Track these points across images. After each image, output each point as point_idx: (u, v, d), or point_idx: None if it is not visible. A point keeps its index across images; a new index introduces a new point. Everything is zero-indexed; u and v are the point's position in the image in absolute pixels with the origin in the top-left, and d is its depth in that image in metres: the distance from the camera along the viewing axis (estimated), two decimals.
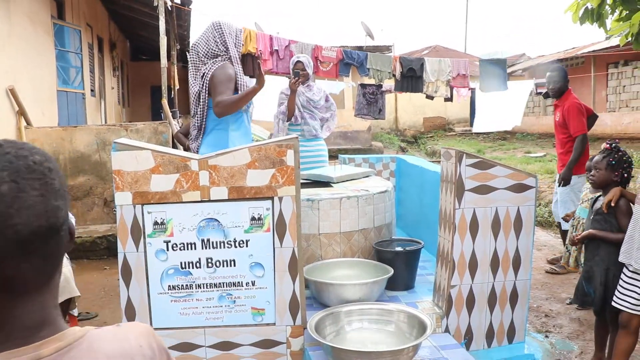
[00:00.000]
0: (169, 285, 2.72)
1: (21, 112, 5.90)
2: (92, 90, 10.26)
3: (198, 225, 2.69)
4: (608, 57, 14.85)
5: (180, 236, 2.70)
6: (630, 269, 2.57)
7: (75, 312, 3.57)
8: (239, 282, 2.73)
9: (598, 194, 2.97)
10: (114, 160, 2.68)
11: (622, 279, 2.61)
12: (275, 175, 2.67)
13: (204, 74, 3.59)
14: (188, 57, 3.77)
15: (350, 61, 7.70)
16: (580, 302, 3.00)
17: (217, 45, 3.58)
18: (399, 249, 3.30)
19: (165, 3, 6.79)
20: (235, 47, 3.64)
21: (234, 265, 2.72)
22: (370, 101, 9.44)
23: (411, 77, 8.04)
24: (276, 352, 2.77)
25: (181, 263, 2.71)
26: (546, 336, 3.40)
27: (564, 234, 4.50)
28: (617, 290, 2.62)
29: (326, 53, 7.42)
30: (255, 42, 6.85)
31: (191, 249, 2.71)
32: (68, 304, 3.37)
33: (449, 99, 9.32)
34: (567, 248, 4.38)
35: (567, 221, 4.02)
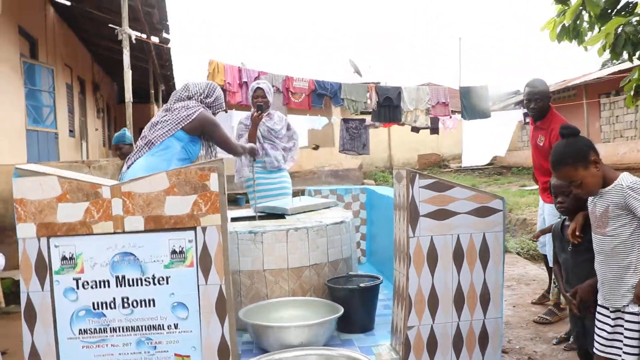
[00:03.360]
0: (80, 329, 2.36)
1: None
2: (70, 131, 10.01)
3: (111, 260, 2.35)
4: (600, 88, 14.68)
5: (92, 273, 2.35)
6: (599, 303, 2.19)
7: None
8: (159, 325, 2.37)
9: (562, 218, 2.58)
10: (16, 188, 2.35)
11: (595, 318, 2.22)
12: (197, 202, 2.34)
13: (182, 110, 3.43)
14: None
15: (323, 92, 7.45)
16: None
17: (203, 96, 3.58)
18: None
19: (130, 36, 6.59)
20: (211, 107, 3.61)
21: (154, 306, 2.36)
22: (354, 136, 9.20)
23: (388, 106, 7.78)
24: None
25: (93, 303, 2.36)
26: None
27: (550, 268, 4.11)
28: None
29: (297, 84, 7.19)
30: (224, 75, 6.63)
31: (104, 287, 2.36)
32: None
33: (435, 131, 9.06)
34: (555, 283, 3.99)
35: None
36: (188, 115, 3.40)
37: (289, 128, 4.63)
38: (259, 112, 4.25)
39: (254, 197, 4.43)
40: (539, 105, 3.82)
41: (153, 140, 3.39)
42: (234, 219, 3.48)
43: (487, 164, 18.08)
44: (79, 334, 2.36)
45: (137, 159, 3.39)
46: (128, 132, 5.50)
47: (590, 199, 2.18)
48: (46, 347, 2.37)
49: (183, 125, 3.38)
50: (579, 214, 2.32)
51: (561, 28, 4.63)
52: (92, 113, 12.43)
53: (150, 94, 11.54)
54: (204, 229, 2.35)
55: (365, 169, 19.78)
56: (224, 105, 3.82)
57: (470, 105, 7.90)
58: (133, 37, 6.62)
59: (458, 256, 2.51)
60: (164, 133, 3.38)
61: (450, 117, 8.48)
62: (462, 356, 2.55)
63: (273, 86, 7.05)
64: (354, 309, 2.83)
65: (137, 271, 2.35)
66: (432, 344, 2.51)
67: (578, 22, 4.54)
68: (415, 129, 9.10)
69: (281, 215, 3.52)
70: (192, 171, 2.35)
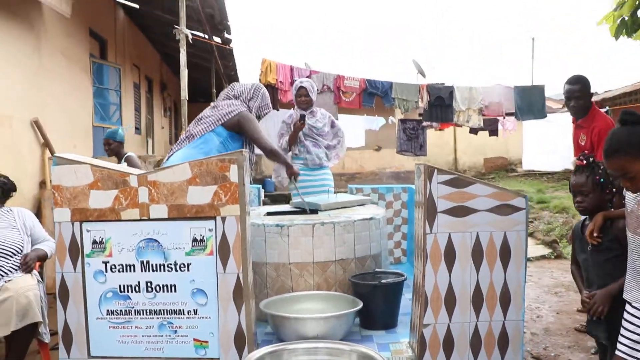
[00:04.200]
0: (108, 310, 2.51)
1: (46, 144, 6.01)
2: (137, 128, 10.49)
3: (137, 246, 2.48)
4: None
5: (119, 257, 2.49)
6: (634, 305, 2.08)
7: (47, 339, 3.41)
8: (180, 310, 2.47)
9: (583, 218, 2.47)
10: (54, 175, 2.53)
11: (623, 318, 2.12)
12: (217, 193, 2.42)
13: (225, 107, 3.59)
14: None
15: (374, 91, 7.43)
16: None
17: (249, 98, 3.73)
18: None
19: (187, 36, 6.85)
20: (255, 109, 3.74)
21: (175, 291, 2.47)
22: (411, 137, 9.12)
23: (439, 106, 7.65)
24: None
25: (120, 286, 2.50)
26: None
27: None
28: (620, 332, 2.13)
29: (349, 83, 7.20)
30: (275, 73, 6.76)
31: (130, 271, 2.49)
32: (32, 328, 3.21)
33: (494, 133, 8.83)
34: None
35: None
36: (229, 112, 3.53)
37: (333, 125, 4.66)
38: (302, 122, 4.31)
39: (295, 193, 4.51)
40: (580, 103, 3.67)
41: (194, 134, 3.53)
42: (270, 213, 3.55)
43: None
44: (107, 314, 2.50)
45: (177, 150, 3.54)
46: (121, 131, 5.66)
47: (633, 197, 2.06)
48: (77, 325, 2.53)
49: (223, 121, 3.51)
50: (597, 214, 2.23)
51: (620, 22, 4.40)
52: (158, 111, 12.98)
53: (212, 92, 11.91)
54: (223, 219, 2.43)
55: None
56: (271, 106, 3.91)
57: (524, 105, 7.64)
58: (190, 37, 6.88)
59: (477, 254, 2.46)
60: (205, 128, 3.52)
61: (504, 118, 8.24)
62: (480, 357, 2.49)
63: (324, 85, 7.12)
64: (376, 305, 2.83)
65: (161, 257, 2.46)
66: (448, 343, 2.48)
67: (639, 14, 4.31)
68: (474, 131, 8.91)
69: (315, 211, 3.57)
70: (213, 162, 2.44)
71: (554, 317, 4.00)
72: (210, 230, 2.44)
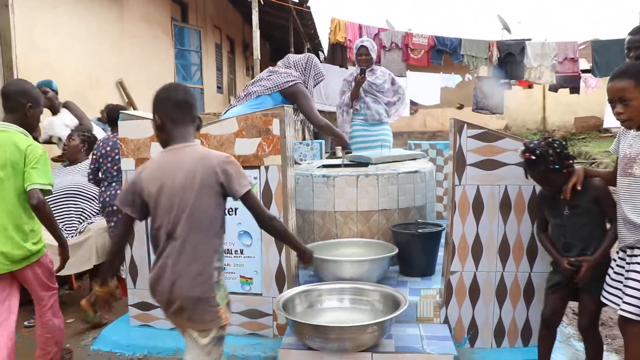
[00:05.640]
0: None
1: (130, 102, 6.53)
2: (218, 87, 10.97)
3: None
4: None
5: None
6: (622, 249, 2.10)
7: (124, 274, 3.85)
8: (228, 249, 2.76)
9: None
10: (121, 129, 2.86)
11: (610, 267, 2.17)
12: (261, 144, 2.66)
13: (284, 76, 3.75)
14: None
15: (442, 48, 7.31)
16: None
17: (303, 68, 3.87)
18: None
19: None
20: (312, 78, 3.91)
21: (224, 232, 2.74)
22: (487, 94, 8.92)
23: (510, 62, 7.41)
24: (263, 323, 2.75)
25: None
26: None
27: None
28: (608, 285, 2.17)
29: (417, 40, 7.13)
30: (344, 32, 6.84)
31: None
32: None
33: (576, 91, 8.45)
34: None
35: None
36: (288, 82, 3.70)
37: (393, 83, 4.74)
38: (362, 75, 4.44)
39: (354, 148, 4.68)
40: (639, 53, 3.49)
41: (252, 93, 3.75)
42: (325, 166, 3.75)
43: None
44: None
45: (235, 106, 3.79)
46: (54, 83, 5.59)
47: (629, 142, 2.08)
48: (141, 260, 2.89)
49: (281, 88, 3.69)
50: (578, 169, 2.22)
51: None
52: (241, 70, 13.43)
53: (290, 51, 12.16)
54: (266, 168, 2.66)
55: (516, 131, 18.80)
56: (324, 73, 4.06)
57: (603, 61, 7.24)
58: None
59: (505, 207, 2.55)
60: (262, 90, 3.72)
61: (579, 75, 7.84)
62: (506, 306, 2.61)
63: (392, 42, 7.12)
64: (413, 253, 2.99)
65: None
66: (474, 291, 2.60)
67: None
68: (553, 88, 8.57)
69: (367, 164, 3.72)
70: (257, 117, 2.66)
71: None
72: (254, 178, 2.68)
